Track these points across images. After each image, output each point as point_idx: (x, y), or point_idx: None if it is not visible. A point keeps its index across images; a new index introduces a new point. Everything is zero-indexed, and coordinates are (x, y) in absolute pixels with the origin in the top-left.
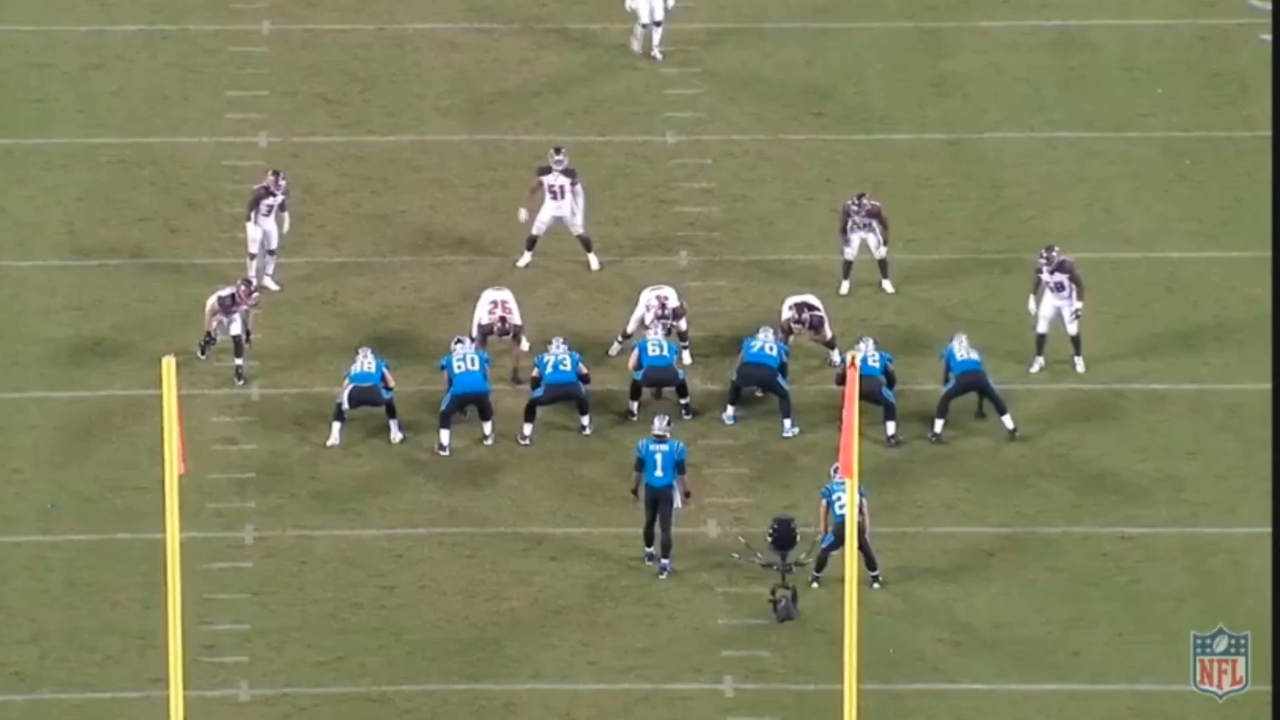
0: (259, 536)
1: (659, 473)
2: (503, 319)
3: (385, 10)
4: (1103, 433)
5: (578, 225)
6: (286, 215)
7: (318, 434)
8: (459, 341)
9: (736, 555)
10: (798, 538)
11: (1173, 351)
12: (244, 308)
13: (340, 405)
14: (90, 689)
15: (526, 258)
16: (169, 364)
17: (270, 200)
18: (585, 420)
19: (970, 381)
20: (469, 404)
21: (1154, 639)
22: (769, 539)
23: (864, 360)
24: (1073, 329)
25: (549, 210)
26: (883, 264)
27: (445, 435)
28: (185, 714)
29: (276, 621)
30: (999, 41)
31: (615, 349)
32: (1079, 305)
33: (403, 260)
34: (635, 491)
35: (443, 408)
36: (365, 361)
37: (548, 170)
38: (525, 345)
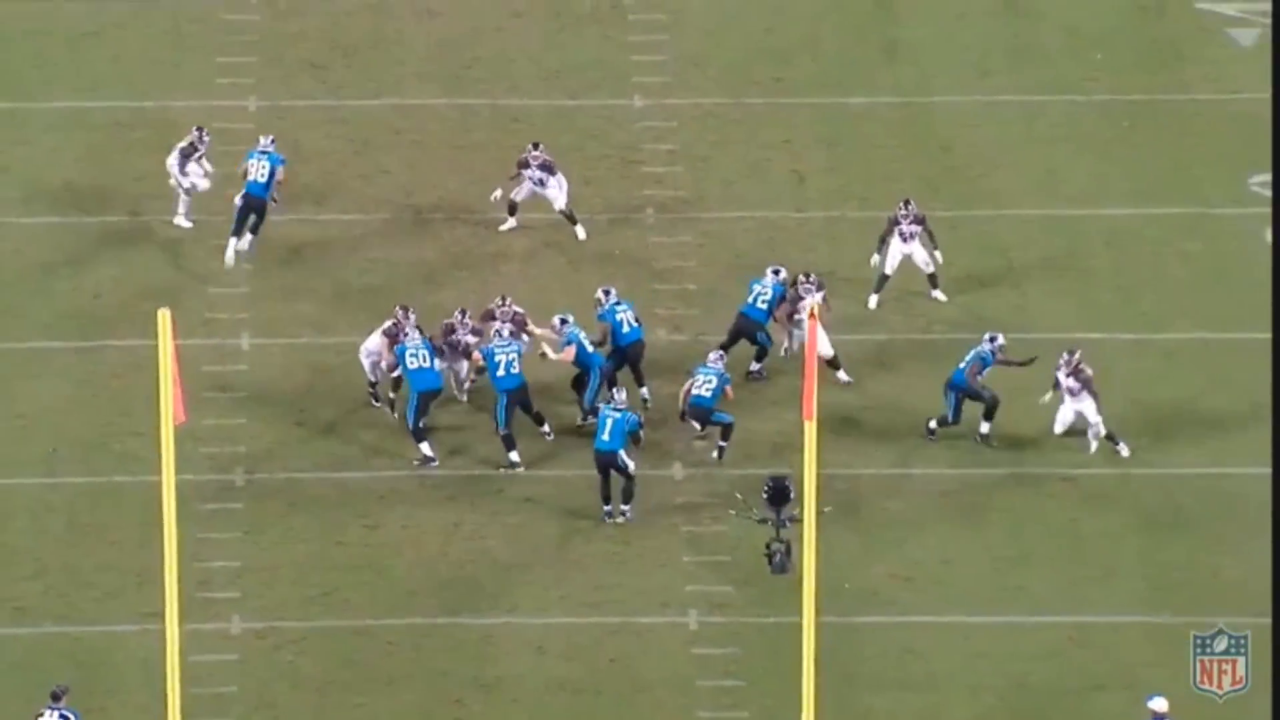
0: (249, 479)
1: (606, 437)
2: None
3: None
4: (1046, 379)
5: (559, 204)
6: (205, 162)
7: (303, 381)
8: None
9: (734, 511)
10: (791, 494)
11: (1111, 302)
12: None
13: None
14: (90, 623)
15: (511, 223)
16: (164, 316)
17: (197, 153)
18: (546, 428)
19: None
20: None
21: (1092, 574)
22: (764, 496)
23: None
24: (1098, 429)
25: (529, 187)
26: (932, 277)
27: (426, 447)
28: (180, 646)
29: (266, 559)
30: (948, 11)
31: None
32: (1097, 419)
33: (384, 218)
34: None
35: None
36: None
37: (526, 164)
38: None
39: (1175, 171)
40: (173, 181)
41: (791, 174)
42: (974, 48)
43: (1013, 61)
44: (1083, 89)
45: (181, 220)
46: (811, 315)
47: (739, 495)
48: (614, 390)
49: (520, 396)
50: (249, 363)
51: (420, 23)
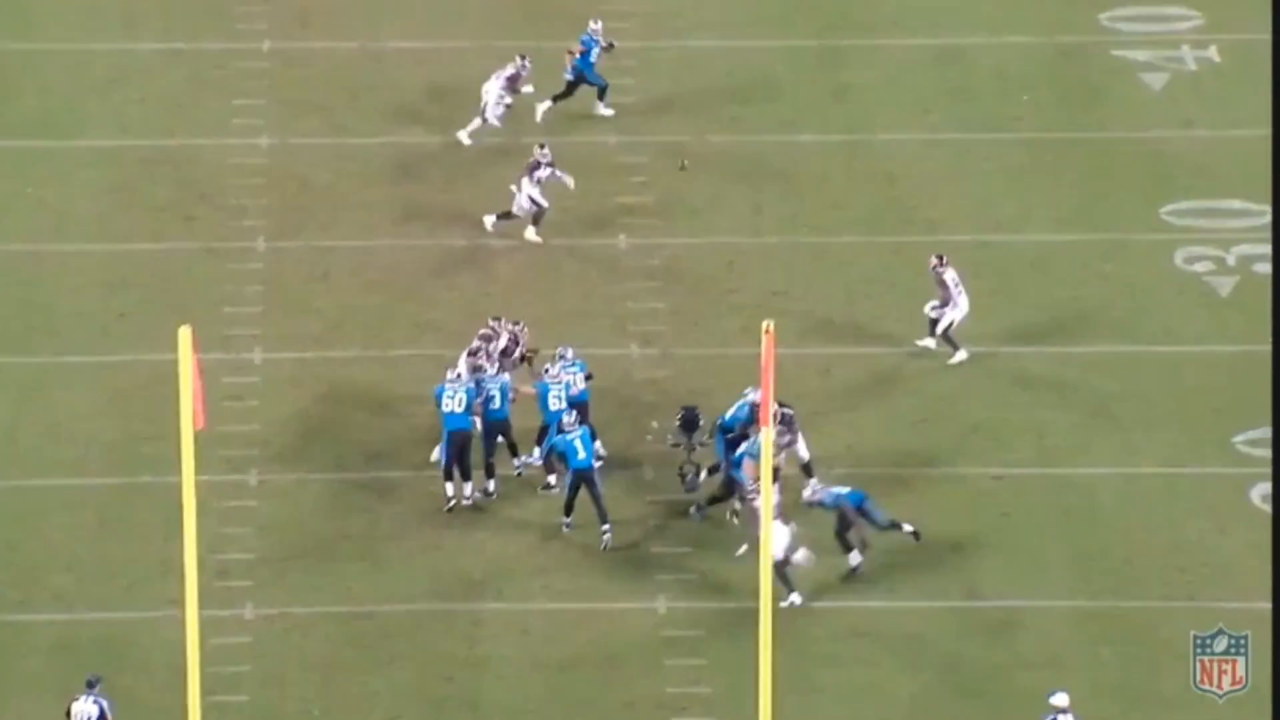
0: (262, 479)
1: (581, 455)
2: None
3: (367, 30)
4: (978, 388)
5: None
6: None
7: (310, 392)
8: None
9: (650, 437)
10: (701, 421)
11: (1037, 320)
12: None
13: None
14: (119, 609)
15: (530, 233)
16: (185, 332)
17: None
18: (518, 462)
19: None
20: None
21: (1020, 563)
22: (677, 423)
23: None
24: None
25: (532, 193)
26: (933, 323)
27: (450, 487)
28: (199, 630)
29: (277, 551)
30: (890, 57)
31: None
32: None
33: (384, 243)
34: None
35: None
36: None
37: (538, 165)
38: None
39: (1094, 202)
40: (486, 103)
41: (750, 203)
42: (913, 90)
43: (948, 102)
44: (1011, 127)
45: (464, 137)
46: (767, 331)
47: (654, 424)
48: (564, 415)
49: (500, 429)
50: (261, 375)
51: (414, 68)
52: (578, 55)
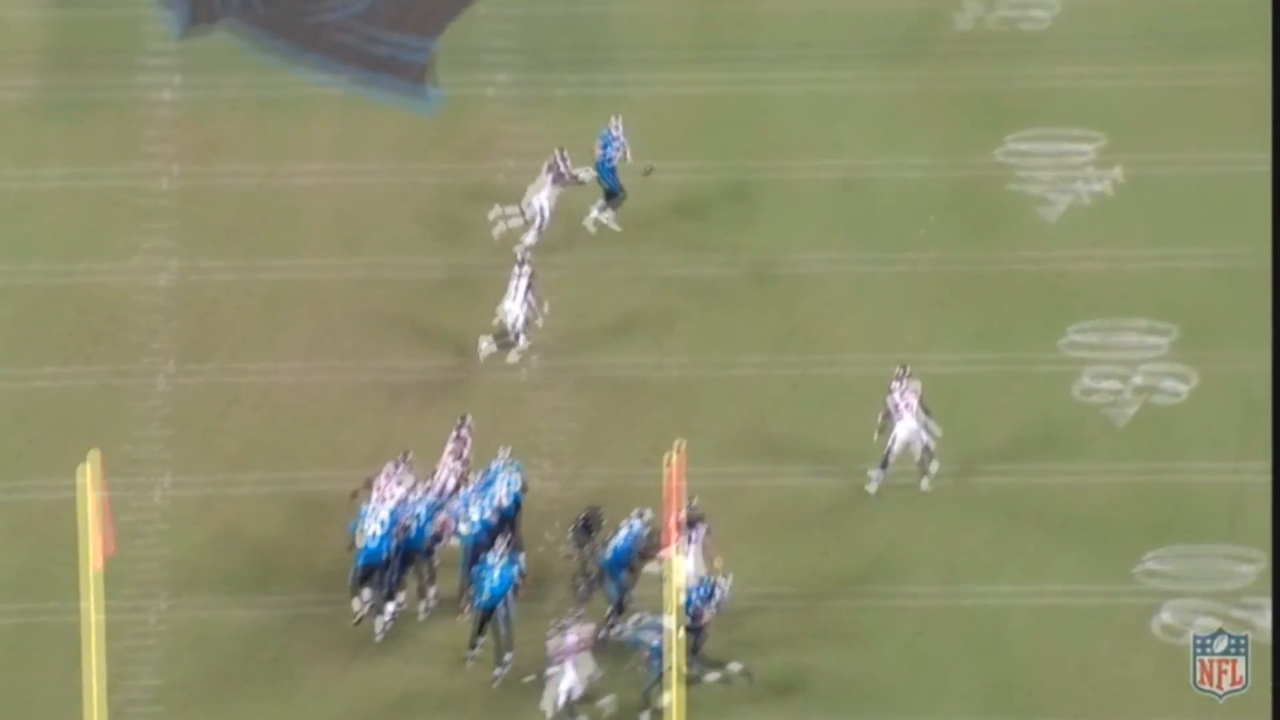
0: (168, 609)
1: (486, 596)
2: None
3: (273, 157)
4: (886, 511)
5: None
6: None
7: (218, 519)
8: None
9: (542, 548)
10: (603, 523)
11: (941, 445)
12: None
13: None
14: None
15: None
16: (89, 462)
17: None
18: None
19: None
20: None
21: (930, 685)
22: (579, 525)
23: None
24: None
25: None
26: (927, 454)
27: (356, 603)
28: None
29: (183, 682)
30: (794, 184)
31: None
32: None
33: (291, 367)
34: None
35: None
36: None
37: (530, 286)
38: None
39: (995, 327)
40: (538, 207)
41: (658, 325)
42: (818, 215)
43: (851, 228)
44: (913, 254)
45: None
46: (679, 450)
47: (548, 537)
48: (497, 538)
49: (416, 556)
50: (168, 504)
51: (320, 195)
52: (600, 155)
